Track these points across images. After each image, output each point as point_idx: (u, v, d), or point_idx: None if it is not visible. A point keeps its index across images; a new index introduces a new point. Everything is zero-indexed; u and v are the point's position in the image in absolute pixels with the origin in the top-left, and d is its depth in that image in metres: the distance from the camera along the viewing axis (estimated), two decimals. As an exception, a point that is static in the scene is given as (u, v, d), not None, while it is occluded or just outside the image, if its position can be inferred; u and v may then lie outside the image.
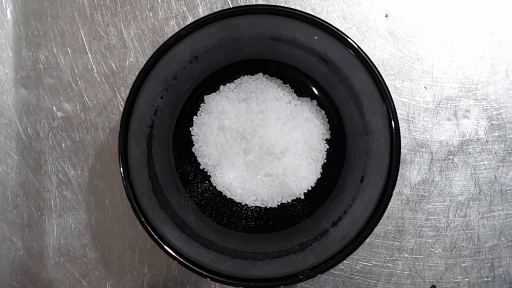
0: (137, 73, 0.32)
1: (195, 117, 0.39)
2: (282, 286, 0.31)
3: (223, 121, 0.38)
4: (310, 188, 0.38)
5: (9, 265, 0.40)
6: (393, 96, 0.31)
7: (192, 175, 0.39)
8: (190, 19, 0.40)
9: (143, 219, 0.32)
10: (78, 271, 0.40)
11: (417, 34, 0.40)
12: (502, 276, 0.39)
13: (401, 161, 0.32)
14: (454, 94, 0.40)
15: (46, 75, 0.40)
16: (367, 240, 0.32)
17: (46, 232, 0.40)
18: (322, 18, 0.31)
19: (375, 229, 0.32)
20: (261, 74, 0.39)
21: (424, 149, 0.40)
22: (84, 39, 0.41)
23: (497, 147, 0.40)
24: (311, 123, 0.38)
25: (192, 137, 0.39)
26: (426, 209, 0.40)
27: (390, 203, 0.32)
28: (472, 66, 0.40)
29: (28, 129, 0.40)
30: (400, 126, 0.32)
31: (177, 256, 0.32)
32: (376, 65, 0.31)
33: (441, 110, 0.40)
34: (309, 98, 0.39)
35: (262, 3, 0.40)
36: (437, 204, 0.40)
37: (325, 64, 0.35)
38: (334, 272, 0.39)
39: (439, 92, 0.40)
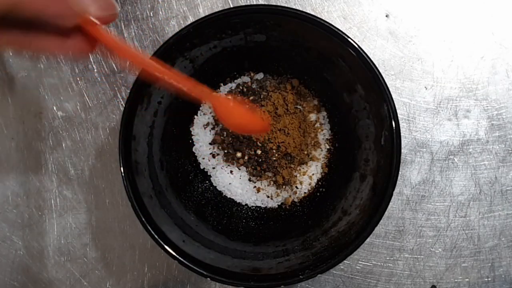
0: (137, 73, 0.32)
1: (195, 117, 0.39)
2: (282, 286, 0.31)
3: (223, 121, 0.38)
4: (310, 188, 0.38)
5: (9, 265, 0.40)
6: (393, 96, 0.31)
7: (193, 175, 0.39)
8: (191, 19, 0.40)
9: (143, 219, 0.32)
10: (78, 271, 0.40)
11: (418, 34, 0.40)
12: (502, 276, 0.39)
13: (401, 161, 0.32)
14: (454, 94, 0.40)
15: (47, 75, 0.40)
16: (367, 240, 0.32)
17: (47, 232, 0.40)
18: (323, 18, 0.31)
19: (375, 229, 0.32)
20: (261, 74, 0.39)
21: (424, 149, 0.40)
22: (84, 39, 0.41)
23: (498, 147, 0.40)
24: (311, 123, 0.38)
25: (192, 137, 0.39)
26: (427, 209, 0.40)
27: (390, 203, 0.32)
28: (472, 66, 0.40)
29: (28, 129, 0.40)
30: (401, 126, 0.32)
31: (177, 256, 0.32)
32: (377, 65, 0.31)
33: (442, 110, 0.40)
34: (309, 98, 0.39)
35: (263, 3, 0.40)
36: (438, 204, 0.40)
37: (326, 64, 0.35)
38: (334, 272, 0.39)
39: (440, 92, 0.40)
